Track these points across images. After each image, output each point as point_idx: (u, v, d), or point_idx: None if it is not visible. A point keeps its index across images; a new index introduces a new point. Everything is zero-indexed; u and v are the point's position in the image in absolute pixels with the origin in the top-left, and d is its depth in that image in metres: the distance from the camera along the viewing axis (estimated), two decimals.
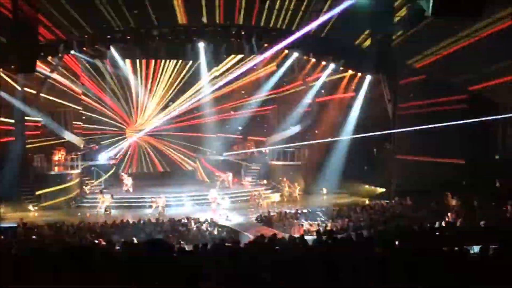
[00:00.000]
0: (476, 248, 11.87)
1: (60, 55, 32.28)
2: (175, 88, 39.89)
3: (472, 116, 28.21)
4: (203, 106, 39.55)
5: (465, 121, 27.04)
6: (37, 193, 32.47)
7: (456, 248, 10.36)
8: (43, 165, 33.92)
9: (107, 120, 39.21)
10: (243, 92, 39.96)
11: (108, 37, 31.98)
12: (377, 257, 8.07)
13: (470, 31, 25.64)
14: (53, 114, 35.63)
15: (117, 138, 39.81)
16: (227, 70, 38.72)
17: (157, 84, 39.61)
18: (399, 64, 31.35)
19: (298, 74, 37.21)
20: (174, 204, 32.28)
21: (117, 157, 39.04)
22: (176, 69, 39.38)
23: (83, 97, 37.92)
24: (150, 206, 31.66)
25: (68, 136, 35.67)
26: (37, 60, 29.36)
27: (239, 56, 37.37)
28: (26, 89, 33.34)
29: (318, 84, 36.12)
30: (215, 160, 39.20)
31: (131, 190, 35.28)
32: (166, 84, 39.75)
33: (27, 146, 34.43)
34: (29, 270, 8.47)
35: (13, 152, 32.29)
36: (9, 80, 32.25)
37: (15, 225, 25.29)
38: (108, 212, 31.02)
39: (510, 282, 7.72)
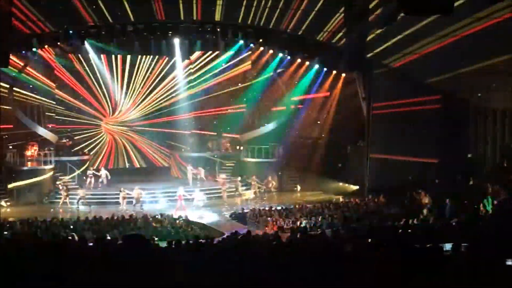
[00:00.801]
0: (448, 246, 12.00)
1: (34, 49, 31.94)
2: (151, 83, 39.71)
3: (445, 115, 28.58)
4: (178, 102, 39.58)
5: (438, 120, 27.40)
6: (9, 186, 32.14)
7: (429, 245, 10.46)
8: (15, 160, 33.64)
9: (81, 115, 38.87)
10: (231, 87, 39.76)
11: (83, 32, 31.71)
12: (349, 254, 8.13)
13: (447, 32, 25.80)
14: (26, 109, 35.34)
15: (92, 133, 39.60)
16: (202, 66, 38.81)
17: (133, 79, 39.35)
18: (374, 63, 31.50)
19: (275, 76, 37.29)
20: (148, 200, 32.07)
21: (91, 153, 38.85)
22: (151, 65, 39.15)
23: (57, 90, 37.59)
24: (124, 198, 31.46)
25: (41, 131, 35.37)
26: (10, 54, 29.10)
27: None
28: None
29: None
30: (190, 157, 39.01)
31: (104, 182, 35.03)
32: (141, 79, 39.51)
33: None
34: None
35: None
36: None
37: None
38: (88, 205, 30.99)
39: (482, 280, 7.80)
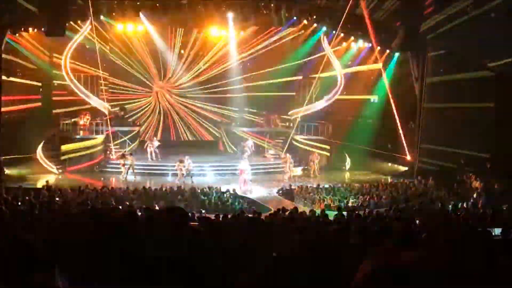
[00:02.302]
0: (497, 231, 11.82)
1: (89, 19, 32.33)
2: (204, 57, 39.99)
3: (499, 99, 27.91)
4: (230, 77, 39.83)
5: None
6: (62, 147, 32.76)
7: (479, 229, 10.30)
8: (68, 129, 34.23)
9: (133, 85, 39.37)
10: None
11: (138, 3, 31.97)
12: (395, 233, 8.03)
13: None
14: (80, 79, 35.80)
15: (143, 103, 40.15)
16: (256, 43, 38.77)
17: (187, 52, 39.65)
18: (429, 43, 30.95)
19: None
20: (196, 173, 32.17)
21: (140, 123, 39.32)
22: (205, 38, 39.31)
23: (111, 56, 38.11)
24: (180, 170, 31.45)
25: (94, 101, 35.82)
26: (67, 24, 29.62)
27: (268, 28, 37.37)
28: (54, 54, 33.96)
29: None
30: (239, 132, 39.01)
31: (157, 151, 35.21)
32: (194, 53, 39.78)
33: (54, 111, 35.05)
34: (51, 230, 8.57)
35: (40, 115, 32.91)
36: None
37: (39, 187, 25.65)
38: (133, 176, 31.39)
39: None
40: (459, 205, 20.14)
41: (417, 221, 14.52)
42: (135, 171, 31.91)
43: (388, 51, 33.69)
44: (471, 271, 4.19)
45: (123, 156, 32.42)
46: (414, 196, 25.30)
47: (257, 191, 29.19)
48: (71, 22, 31.58)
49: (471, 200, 22.59)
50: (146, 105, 40.48)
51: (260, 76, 39.60)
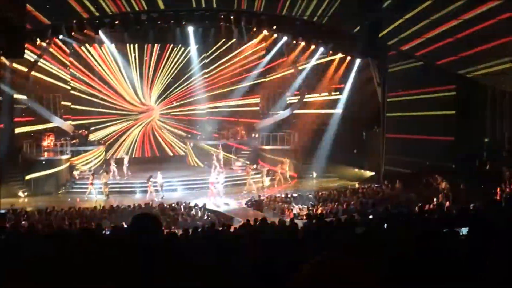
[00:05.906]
0: (464, 231, 11.94)
1: (48, 39, 32.02)
2: (168, 73, 39.95)
3: (461, 100, 28.43)
4: (195, 90, 39.84)
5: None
6: (27, 178, 32.29)
7: (445, 230, 10.40)
8: (32, 151, 33.72)
9: (96, 105, 38.97)
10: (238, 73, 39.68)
11: (97, 21, 31.71)
12: (362, 238, 8.10)
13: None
14: (42, 99, 35.42)
15: (107, 122, 39.77)
16: (217, 55, 38.91)
17: (150, 69, 39.53)
18: (389, 48, 31.32)
19: (288, 59, 36.89)
20: (165, 189, 31.97)
21: (105, 142, 38.91)
22: (167, 54, 39.29)
23: (72, 83, 37.77)
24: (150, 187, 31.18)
25: (57, 121, 35.42)
26: (26, 45, 29.28)
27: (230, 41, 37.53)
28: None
29: (308, 67, 36.06)
30: (206, 144, 38.88)
31: (130, 173, 35.00)
32: (158, 69, 39.69)
33: (16, 131, 34.42)
34: (18, 255, 8.45)
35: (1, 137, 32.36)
36: None
37: (4, 211, 25.26)
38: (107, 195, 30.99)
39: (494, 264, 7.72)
40: (426, 207, 20.30)
41: (385, 226, 14.64)
42: (108, 190, 31.49)
43: (349, 57, 34.05)
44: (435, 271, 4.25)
45: (93, 176, 31.93)
46: (382, 201, 25.51)
47: (226, 203, 29.18)
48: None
49: (436, 201, 22.86)
50: (111, 123, 40.04)
51: (224, 91, 39.87)
